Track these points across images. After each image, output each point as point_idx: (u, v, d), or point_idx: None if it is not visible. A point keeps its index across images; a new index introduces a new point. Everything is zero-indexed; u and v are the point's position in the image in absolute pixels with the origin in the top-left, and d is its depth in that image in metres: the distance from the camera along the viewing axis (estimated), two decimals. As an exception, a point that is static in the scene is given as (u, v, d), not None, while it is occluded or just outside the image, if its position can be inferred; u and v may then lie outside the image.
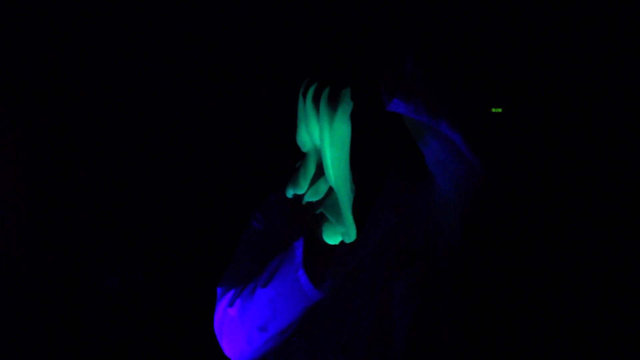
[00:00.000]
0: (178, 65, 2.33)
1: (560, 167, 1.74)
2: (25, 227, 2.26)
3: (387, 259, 1.11)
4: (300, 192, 0.98)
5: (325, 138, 0.95)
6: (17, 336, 2.21)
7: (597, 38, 1.81)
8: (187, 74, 2.33)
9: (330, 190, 0.99)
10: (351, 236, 0.99)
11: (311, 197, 0.98)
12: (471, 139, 0.93)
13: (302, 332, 1.13)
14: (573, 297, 1.76)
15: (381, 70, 0.94)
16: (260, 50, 2.30)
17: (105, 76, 2.33)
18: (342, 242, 1.00)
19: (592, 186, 1.75)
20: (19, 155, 2.25)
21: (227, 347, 1.13)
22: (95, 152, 2.33)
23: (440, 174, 1.01)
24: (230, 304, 1.11)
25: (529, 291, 1.79)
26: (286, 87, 2.26)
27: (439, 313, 1.12)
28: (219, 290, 1.17)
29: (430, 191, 1.14)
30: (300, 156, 1.00)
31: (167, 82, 2.33)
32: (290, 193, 0.98)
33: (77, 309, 2.28)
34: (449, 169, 0.98)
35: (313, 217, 1.00)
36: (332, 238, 1.01)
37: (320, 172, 0.98)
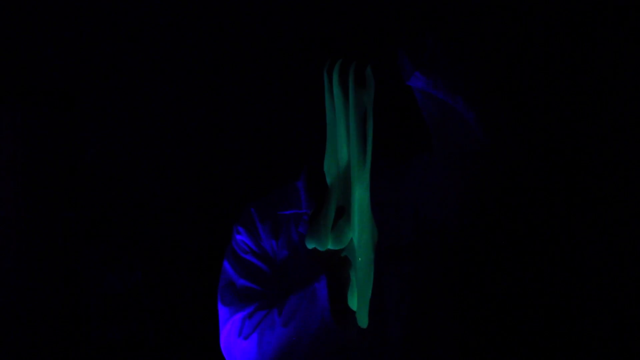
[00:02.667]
0: (179, 65, 2.33)
1: (571, 160, 1.72)
2: (25, 227, 2.25)
3: (376, 256, 1.11)
4: (323, 248, 0.95)
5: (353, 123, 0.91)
6: (17, 336, 2.21)
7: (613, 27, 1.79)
8: (189, 75, 2.33)
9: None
10: (362, 321, 0.96)
11: (335, 247, 0.95)
12: (485, 118, 0.92)
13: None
14: (573, 293, 1.75)
15: (401, 45, 0.94)
16: (265, 51, 2.30)
17: (106, 76, 2.33)
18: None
19: (600, 184, 1.74)
20: (19, 155, 2.25)
21: None
22: (95, 152, 2.33)
23: (448, 152, 1.01)
24: (245, 335, 1.11)
25: (526, 286, 1.79)
26: (291, 89, 2.25)
27: (434, 308, 1.12)
28: (225, 310, 1.17)
29: (416, 187, 1.14)
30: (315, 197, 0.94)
31: (168, 82, 2.33)
32: (311, 246, 0.96)
33: (77, 309, 2.28)
34: (458, 147, 0.97)
35: (337, 261, 0.98)
36: (353, 302, 0.98)
37: (340, 213, 0.94)
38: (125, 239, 2.30)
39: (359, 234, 0.94)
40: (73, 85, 2.33)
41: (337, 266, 0.98)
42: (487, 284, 1.76)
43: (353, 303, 0.97)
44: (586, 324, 1.73)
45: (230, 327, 1.13)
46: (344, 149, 0.92)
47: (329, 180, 0.96)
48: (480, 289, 1.76)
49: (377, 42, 0.95)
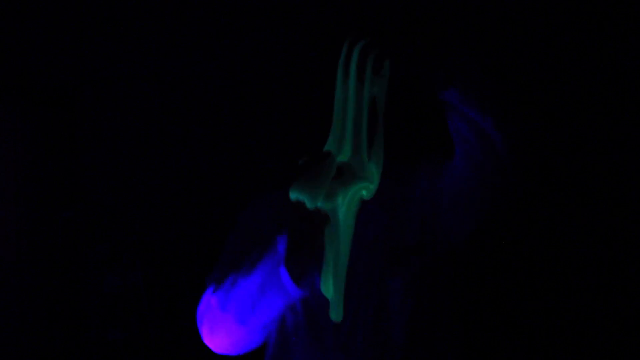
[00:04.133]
0: (179, 65, 2.33)
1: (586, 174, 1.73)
2: (25, 227, 2.26)
3: (382, 256, 1.11)
4: (312, 205, 0.91)
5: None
6: (17, 336, 2.21)
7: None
8: (189, 75, 2.33)
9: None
10: (335, 313, 0.92)
11: (323, 205, 0.92)
12: (514, 143, 0.92)
13: (299, 331, 1.13)
14: (575, 295, 1.76)
15: (436, 56, 0.92)
16: (264, 51, 2.30)
17: (106, 76, 2.33)
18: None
19: (608, 194, 1.75)
20: (19, 155, 2.25)
21: (206, 337, 1.13)
22: (95, 152, 2.33)
23: (468, 165, 1.00)
24: (213, 294, 1.11)
25: (529, 288, 1.79)
26: (290, 90, 2.26)
27: (437, 309, 1.11)
28: (207, 282, 1.17)
29: (424, 188, 1.13)
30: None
31: (168, 82, 2.33)
32: (297, 197, 0.92)
33: (77, 309, 2.28)
34: (480, 162, 0.97)
35: (316, 216, 0.94)
36: (328, 290, 0.95)
37: (340, 173, 0.91)
38: (125, 239, 2.30)
39: (343, 220, 0.93)
40: (73, 85, 2.33)
41: (315, 220, 0.93)
42: (490, 286, 1.76)
43: (328, 291, 0.94)
44: (588, 327, 1.73)
45: (207, 292, 1.13)
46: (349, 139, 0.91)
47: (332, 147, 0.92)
48: (483, 291, 1.77)
49: (399, 39, 0.93)
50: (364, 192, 0.95)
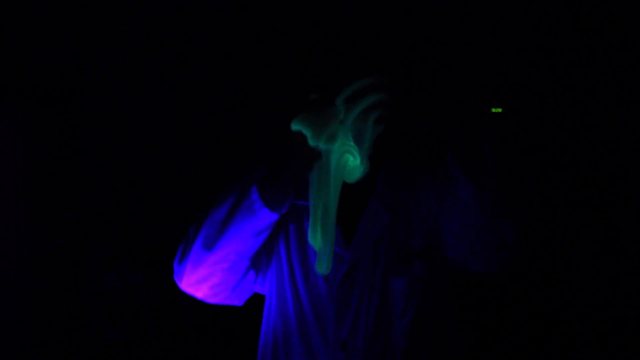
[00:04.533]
0: (179, 64, 2.33)
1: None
2: (25, 227, 2.26)
3: (385, 257, 1.11)
4: (314, 142, 0.91)
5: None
6: (17, 336, 2.21)
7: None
8: (189, 74, 2.33)
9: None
10: (322, 267, 0.93)
11: (324, 144, 0.92)
12: (522, 232, 0.91)
13: (300, 329, 1.13)
14: (576, 299, 1.76)
15: (457, 136, 0.91)
16: (263, 51, 2.30)
17: (106, 76, 2.33)
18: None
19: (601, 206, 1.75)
20: (19, 155, 2.25)
21: (176, 270, 1.14)
22: (96, 152, 2.33)
23: (469, 247, 0.99)
24: (192, 225, 1.12)
25: (531, 291, 1.79)
26: (287, 90, 2.26)
27: (439, 311, 1.11)
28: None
29: (431, 193, 1.13)
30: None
31: (168, 82, 2.33)
32: (299, 128, 0.92)
33: (77, 309, 2.28)
34: (485, 242, 0.96)
35: (311, 151, 0.94)
36: (316, 240, 0.95)
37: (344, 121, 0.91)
38: (125, 239, 2.30)
39: (334, 168, 0.93)
40: (73, 85, 2.33)
41: (307, 156, 0.94)
42: (494, 292, 1.76)
43: (315, 241, 0.94)
44: (590, 333, 1.73)
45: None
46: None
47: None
48: (487, 297, 1.77)
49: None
50: (350, 157, 0.95)
